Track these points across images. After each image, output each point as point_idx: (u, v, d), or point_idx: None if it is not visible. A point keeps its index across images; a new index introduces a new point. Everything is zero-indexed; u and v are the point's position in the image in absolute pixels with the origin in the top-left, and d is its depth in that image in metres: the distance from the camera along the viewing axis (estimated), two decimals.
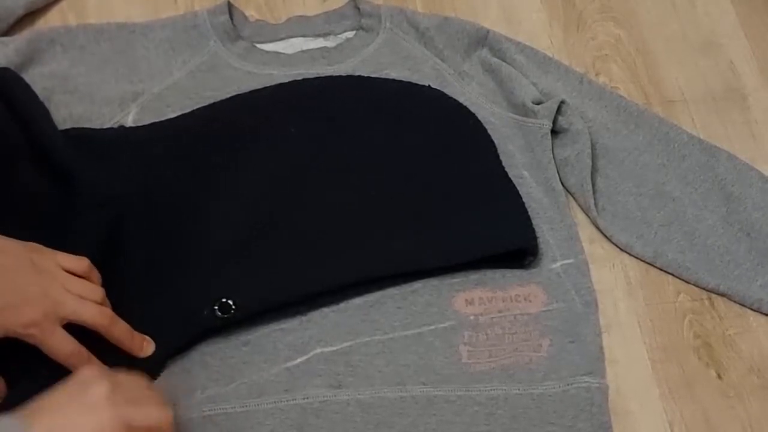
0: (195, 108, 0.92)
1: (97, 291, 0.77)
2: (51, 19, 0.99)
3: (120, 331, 0.76)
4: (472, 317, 0.83)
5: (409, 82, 0.94)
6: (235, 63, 0.95)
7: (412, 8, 1.01)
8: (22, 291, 0.72)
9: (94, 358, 0.75)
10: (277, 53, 0.97)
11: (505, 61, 0.96)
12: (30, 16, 0.99)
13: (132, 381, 0.70)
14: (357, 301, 0.83)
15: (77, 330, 0.74)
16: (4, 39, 0.94)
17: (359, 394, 0.78)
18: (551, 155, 0.90)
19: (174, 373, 0.79)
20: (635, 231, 0.89)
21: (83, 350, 0.75)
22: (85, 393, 0.66)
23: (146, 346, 0.78)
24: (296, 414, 0.77)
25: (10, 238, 0.74)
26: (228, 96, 0.93)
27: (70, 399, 0.66)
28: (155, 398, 0.71)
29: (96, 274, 0.79)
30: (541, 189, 0.89)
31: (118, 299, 0.79)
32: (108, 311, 0.76)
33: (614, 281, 0.87)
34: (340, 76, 0.94)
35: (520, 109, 0.93)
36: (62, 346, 0.73)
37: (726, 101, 0.98)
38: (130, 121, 0.91)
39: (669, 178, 0.91)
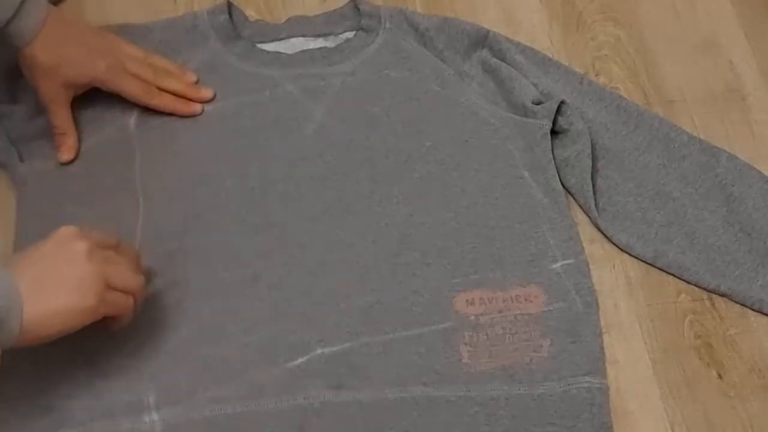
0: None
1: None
2: None
3: (170, 83, 0.93)
4: (472, 317, 0.83)
5: None
6: (236, 63, 0.95)
7: (412, 9, 1.01)
8: (93, 47, 0.89)
9: (164, 94, 0.92)
10: (277, 53, 0.97)
11: (505, 62, 0.95)
12: None
13: (109, 244, 0.76)
14: (358, 301, 0.83)
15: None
16: None
17: (360, 395, 0.78)
18: (551, 155, 0.90)
19: (175, 374, 0.79)
20: (636, 231, 0.89)
21: (153, 88, 0.92)
22: (68, 247, 0.71)
23: (204, 93, 0.94)
24: (297, 414, 0.77)
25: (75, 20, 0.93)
26: (228, 96, 0.93)
27: (53, 251, 0.71)
28: (129, 263, 0.76)
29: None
30: (541, 189, 0.89)
31: None
32: (159, 73, 0.93)
33: (615, 281, 0.87)
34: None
35: (520, 109, 0.93)
36: (134, 86, 0.91)
37: (726, 101, 0.98)
38: (132, 124, 0.92)
39: (669, 179, 0.91)
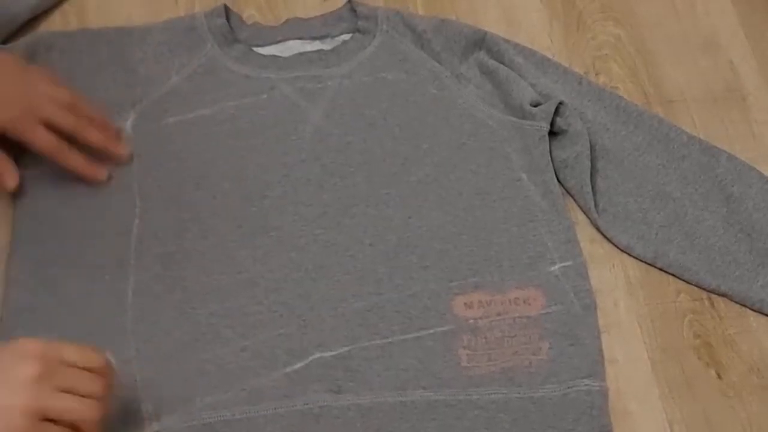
0: (195, 114, 0.92)
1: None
2: (52, 20, 0.99)
3: (90, 133, 0.86)
4: (471, 321, 0.83)
5: None
6: (233, 66, 0.95)
7: (412, 9, 1.01)
8: (4, 92, 0.81)
9: (75, 152, 0.85)
10: (274, 56, 0.96)
11: (503, 63, 0.95)
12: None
13: (73, 363, 0.67)
14: (356, 305, 0.83)
15: None
16: (3, 46, 0.94)
17: (359, 399, 0.79)
18: (549, 157, 0.90)
19: (173, 380, 0.79)
20: (636, 232, 0.89)
21: (64, 145, 0.84)
22: (12, 370, 0.64)
23: (122, 149, 0.89)
24: (296, 420, 0.77)
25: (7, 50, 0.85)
26: (225, 99, 0.93)
27: None
28: (91, 388, 0.68)
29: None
30: (539, 191, 0.89)
31: None
32: (81, 121, 0.86)
33: (614, 281, 0.87)
34: None
35: (518, 111, 0.92)
36: (44, 140, 0.83)
37: (726, 101, 0.98)
38: (128, 127, 0.91)
39: (669, 179, 0.91)
